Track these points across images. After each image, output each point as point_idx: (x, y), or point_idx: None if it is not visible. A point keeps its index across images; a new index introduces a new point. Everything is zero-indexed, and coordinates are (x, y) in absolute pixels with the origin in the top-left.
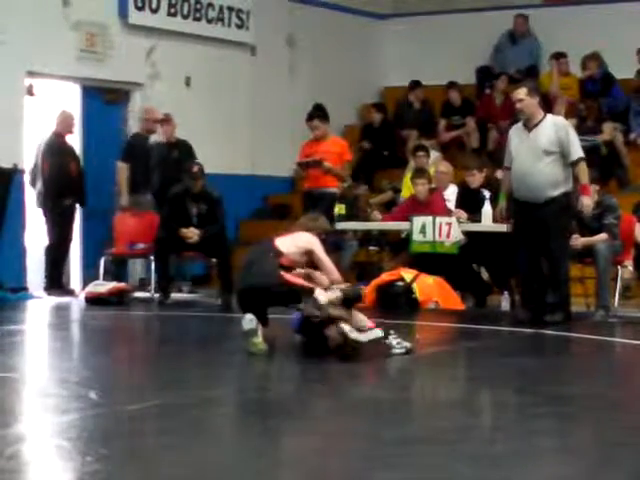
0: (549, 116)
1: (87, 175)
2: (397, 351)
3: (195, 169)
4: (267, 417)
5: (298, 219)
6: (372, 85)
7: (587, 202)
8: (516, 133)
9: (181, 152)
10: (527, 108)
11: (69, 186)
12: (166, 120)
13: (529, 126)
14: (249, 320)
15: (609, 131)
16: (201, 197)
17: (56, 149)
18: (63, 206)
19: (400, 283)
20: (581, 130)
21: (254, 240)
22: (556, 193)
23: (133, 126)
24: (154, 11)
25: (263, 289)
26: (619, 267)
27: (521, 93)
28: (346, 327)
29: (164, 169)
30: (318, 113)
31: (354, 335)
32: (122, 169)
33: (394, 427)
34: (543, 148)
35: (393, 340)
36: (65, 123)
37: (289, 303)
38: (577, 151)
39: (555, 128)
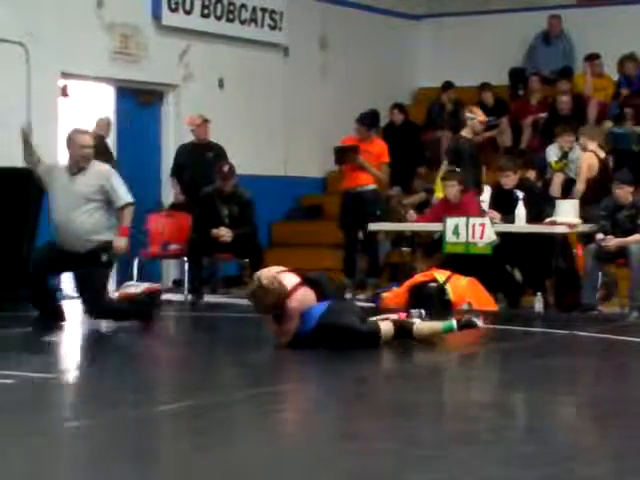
0: (93, 163)
1: (121, 177)
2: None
3: (226, 169)
4: (300, 418)
5: (330, 219)
6: (405, 86)
7: (120, 244)
8: (58, 175)
9: (216, 154)
10: (91, 156)
11: None
12: (203, 120)
13: (73, 171)
14: None
15: None
16: (232, 198)
17: (98, 149)
18: None
19: (433, 284)
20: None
21: (287, 241)
22: (96, 241)
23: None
24: (187, 12)
25: None
26: None
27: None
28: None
29: (196, 170)
30: (363, 120)
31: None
32: None
33: (428, 428)
34: (84, 195)
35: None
36: (102, 127)
37: None
38: (123, 197)
39: (98, 176)
